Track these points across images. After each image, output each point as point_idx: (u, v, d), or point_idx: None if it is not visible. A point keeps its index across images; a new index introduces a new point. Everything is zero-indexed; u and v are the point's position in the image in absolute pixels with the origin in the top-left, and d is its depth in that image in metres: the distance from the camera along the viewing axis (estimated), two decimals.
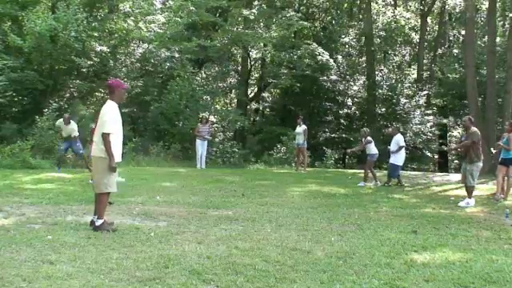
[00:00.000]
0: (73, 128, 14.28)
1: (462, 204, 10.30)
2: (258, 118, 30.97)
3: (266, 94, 30.95)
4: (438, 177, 16.94)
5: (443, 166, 30.24)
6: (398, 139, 13.51)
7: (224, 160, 19.85)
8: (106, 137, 6.57)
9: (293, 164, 19.53)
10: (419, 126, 27.41)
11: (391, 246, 6.37)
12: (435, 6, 33.41)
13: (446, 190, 12.88)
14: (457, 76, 30.28)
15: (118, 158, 6.77)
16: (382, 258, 5.72)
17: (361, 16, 32.48)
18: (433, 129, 28.03)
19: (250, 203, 9.72)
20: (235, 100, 30.94)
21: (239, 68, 29.33)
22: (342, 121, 28.86)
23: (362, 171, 14.59)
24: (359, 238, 6.82)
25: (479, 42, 28.23)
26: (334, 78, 28.18)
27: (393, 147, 13.45)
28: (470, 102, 21.86)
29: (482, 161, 10.63)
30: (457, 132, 31.91)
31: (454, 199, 11.01)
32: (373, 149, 13.84)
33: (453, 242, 6.84)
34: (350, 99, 29.06)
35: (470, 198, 10.44)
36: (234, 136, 24.19)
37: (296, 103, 28.09)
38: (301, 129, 16.38)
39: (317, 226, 7.67)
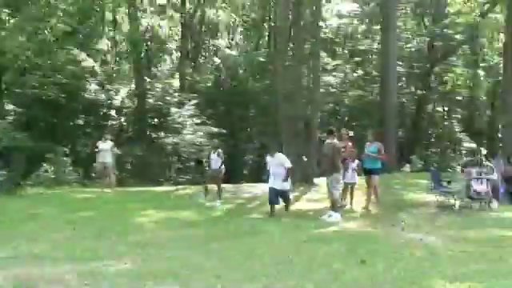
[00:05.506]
0: None
1: (325, 218, 9.85)
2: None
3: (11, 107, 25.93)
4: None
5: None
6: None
7: None
8: None
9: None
10: (192, 136, 26.81)
11: None
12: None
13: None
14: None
15: None
16: None
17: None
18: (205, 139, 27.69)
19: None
20: None
21: None
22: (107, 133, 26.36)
23: None
24: None
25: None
26: (94, 87, 25.57)
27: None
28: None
29: (340, 172, 10.37)
30: None
31: (313, 214, 10.46)
32: None
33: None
34: (114, 110, 26.78)
35: (335, 211, 10.06)
36: None
37: (53, 115, 24.38)
38: (107, 144, 13.94)
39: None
